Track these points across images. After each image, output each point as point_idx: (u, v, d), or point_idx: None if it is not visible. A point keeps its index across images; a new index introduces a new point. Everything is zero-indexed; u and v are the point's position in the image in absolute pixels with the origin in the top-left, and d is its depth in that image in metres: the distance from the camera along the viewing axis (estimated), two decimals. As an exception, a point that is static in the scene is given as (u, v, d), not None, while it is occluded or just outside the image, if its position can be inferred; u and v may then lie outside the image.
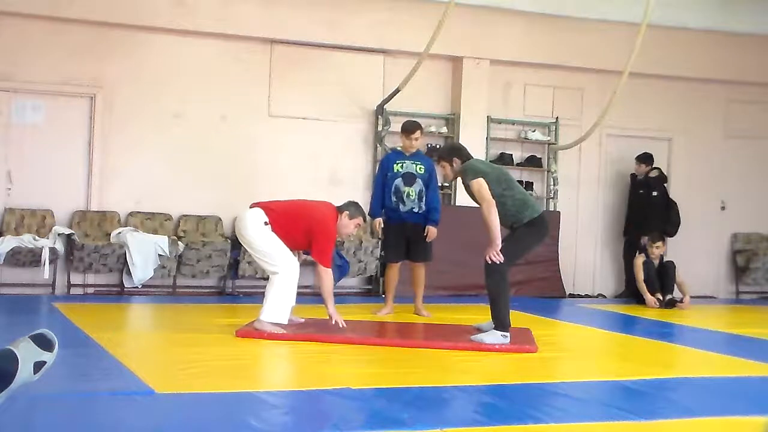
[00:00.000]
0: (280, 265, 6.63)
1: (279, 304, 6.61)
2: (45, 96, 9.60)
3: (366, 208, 7.92)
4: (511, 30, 11.03)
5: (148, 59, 9.87)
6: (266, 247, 6.65)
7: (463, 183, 6.71)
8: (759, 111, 12.26)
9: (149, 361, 5.78)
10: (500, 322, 6.50)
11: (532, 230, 6.63)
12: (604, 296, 11.48)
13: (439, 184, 10.06)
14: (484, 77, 10.98)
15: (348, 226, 6.89)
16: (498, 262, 6.42)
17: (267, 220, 6.64)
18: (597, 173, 11.74)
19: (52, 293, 9.29)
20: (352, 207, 6.95)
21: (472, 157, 6.84)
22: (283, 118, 10.36)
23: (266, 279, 9.50)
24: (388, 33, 10.55)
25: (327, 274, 6.66)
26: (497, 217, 6.42)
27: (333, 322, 6.68)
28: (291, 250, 6.76)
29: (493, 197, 6.46)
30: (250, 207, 6.82)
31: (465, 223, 9.67)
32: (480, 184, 6.47)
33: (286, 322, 6.63)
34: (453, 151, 6.89)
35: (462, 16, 10.11)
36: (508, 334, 6.48)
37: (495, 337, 6.46)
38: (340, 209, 6.89)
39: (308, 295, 8.51)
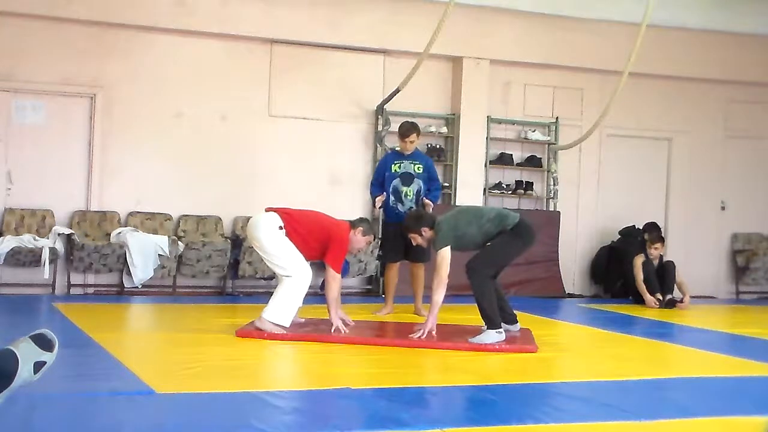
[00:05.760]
0: (292, 269, 6.63)
1: (284, 306, 6.60)
2: (45, 96, 9.60)
3: (368, 212, 7.95)
4: (511, 30, 11.02)
5: (148, 59, 9.87)
6: (280, 251, 6.64)
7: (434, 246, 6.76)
8: (759, 111, 12.26)
9: (149, 361, 5.78)
10: (490, 321, 6.57)
11: (515, 235, 6.70)
12: (601, 296, 11.48)
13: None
14: (484, 77, 10.98)
15: (360, 242, 6.92)
16: (478, 270, 6.57)
17: (282, 224, 6.64)
18: (597, 173, 11.74)
19: (52, 293, 9.29)
20: (366, 224, 6.98)
21: (436, 220, 6.80)
22: (283, 118, 10.36)
23: (266, 279, 9.59)
24: (388, 33, 10.55)
25: (335, 281, 6.67)
26: (442, 297, 6.56)
27: (333, 329, 6.67)
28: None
29: (478, 233, 6.62)
30: (265, 211, 6.80)
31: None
32: (443, 257, 6.55)
33: (287, 325, 6.61)
34: (419, 221, 6.87)
35: (462, 16, 10.11)
36: (501, 330, 6.55)
37: (491, 336, 6.51)
38: (353, 224, 6.90)
39: (309, 295, 8.49)
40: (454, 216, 6.80)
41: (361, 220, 7.04)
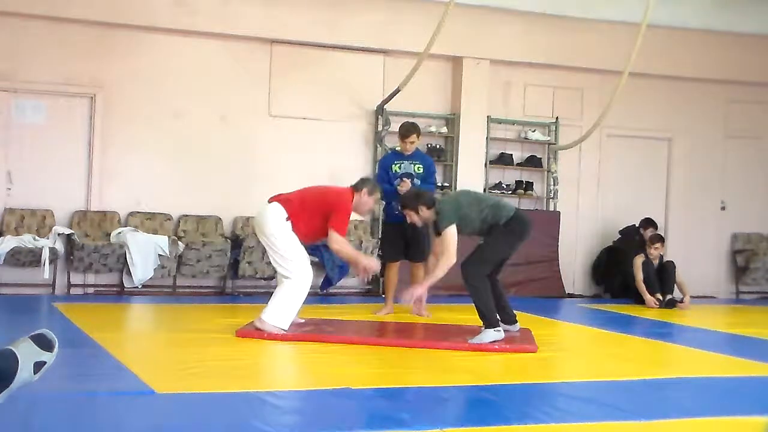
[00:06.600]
0: (294, 271, 6.61)
1: (283, 309, 6.59)
2: (45, 96, 9.59)
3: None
4: (511, 30, 11.03)
5: (148, 59, 9.87)
6: (285, 250, 6.61)
7: (435, 228, 6.73)
8: (759, 111, 12.26)
9: (149, 361, 5.77)
10: (488, 321, 6.55)
11: (509, 230, 6.67)
12: (601, 296, 11.48)
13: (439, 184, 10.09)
14: (484, 77, 10.98)
15: (368, 202, 6.93)
16: (473, 269, 6.55)
17: (287, 215, 6.61)
18: (597, 173, 11.74)
19: (52, 293, 9.29)
20: (369, 183, 7.00)
21: (436, 200, 6.79)
22: (283, 118, 10.36)
23: (266, 279, 9.60)
24: (388, 33, 10.55)
25: (340, 243, 6.63)
26: (442, 274, 6.52)
27: (366, 266, 6.70)
28: (310, 245, 6.78)
29: (477, 218, 6.60)
30: (268, 202, 6.76)
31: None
32: (450, 235, 6.51)
33: (286, 328, 6.59)
34: (417, 198, 6.85)
35: (462, 16, 10.11)
36: (500, 328, 6.54)
37: (489, 335, 6.50)
38: (356, 187, 6.88)
39: (309, 295, 8.49)
40: (456, 197, 6.81)
41: (363, 181, 7.02)
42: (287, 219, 6.60)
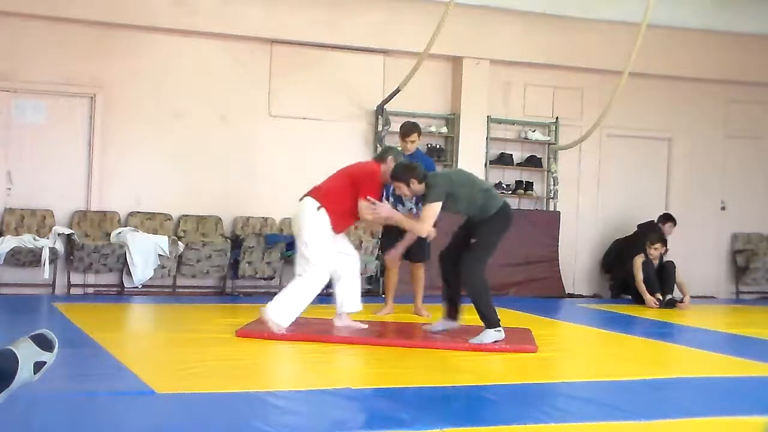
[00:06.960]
0: (309, 272, 6.64)
1: (288, 307, 6.60)
2: (45, 96, 9.60)
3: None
4: (511, 30, 11.03)
5: (148, 59, 9.87)
6: (311, 254, 6.64)
7: (424, 200, 6.71)
8: (759, 111, 12.26)
9: (149, 361, 5.77)
10: (489, 320, 6.54)
11: (497, 221, 6.64)
12: (601, 296, 11.48)
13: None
14: (484, 77, 10.98)
15: None
16: (471, 270, 6.55)
17: (318, 204, 6.66)
18: (597, 173, 11.74)
19: (52, 293, 9.29)
20: (393, 151, 7.14)
21: (428, 175, 6.73)
22: (283, 118, 10.36)
23: (266, 279, 9.60)
24: (388, 33, 10.55)
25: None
26: (409, 227, 6.80)
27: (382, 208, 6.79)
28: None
29: (466, 199, 6.59)
30: (300, 200, 6.83)
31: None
32: (433, 210, 6.52)
33: (286, 326, 6.59)
34: (409, 170, 6.77)
35: (462, 16, 10.11)
36: (501, 328, 6.53)
37: (490, 335, 6.49)
38: (381, 157, 7.05)
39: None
40: (450, 174, 6.81)
41: (386, 150, 7.19)
42: (319, 208, 6.66)
